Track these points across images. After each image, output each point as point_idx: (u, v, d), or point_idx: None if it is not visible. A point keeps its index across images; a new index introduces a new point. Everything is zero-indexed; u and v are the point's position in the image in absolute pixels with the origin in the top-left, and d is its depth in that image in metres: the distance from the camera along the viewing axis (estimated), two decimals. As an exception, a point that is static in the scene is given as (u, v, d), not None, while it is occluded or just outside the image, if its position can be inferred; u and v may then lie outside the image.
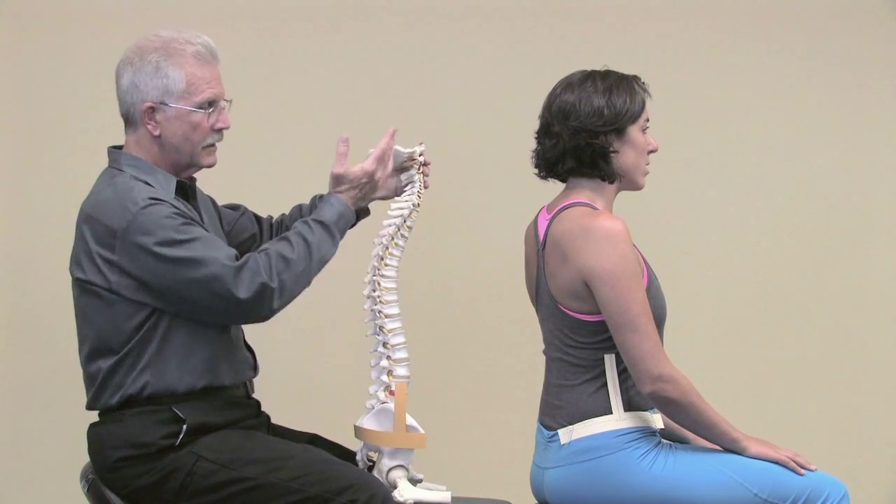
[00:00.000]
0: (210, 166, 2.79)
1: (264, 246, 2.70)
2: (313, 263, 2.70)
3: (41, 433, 3.90)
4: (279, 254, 2.66)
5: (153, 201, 2.63)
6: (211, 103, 2.73)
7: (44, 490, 3.89)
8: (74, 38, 3.92)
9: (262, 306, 2.63)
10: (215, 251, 2.61)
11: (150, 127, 2.71)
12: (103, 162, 2.91)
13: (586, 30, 4.01)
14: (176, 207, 2.65)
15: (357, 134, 3.91)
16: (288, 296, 2.67)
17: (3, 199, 3.93)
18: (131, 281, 2.63)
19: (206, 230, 2.71)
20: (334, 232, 2.75)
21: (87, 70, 3.90)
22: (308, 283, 2.71)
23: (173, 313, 2.65)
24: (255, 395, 2.88)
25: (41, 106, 3.92)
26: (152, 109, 2.70)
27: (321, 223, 2.74)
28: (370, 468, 2.83)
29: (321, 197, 2.86)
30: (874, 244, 4.09)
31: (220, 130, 2.76)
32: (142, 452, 2.65)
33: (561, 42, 3.99)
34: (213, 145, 2.76)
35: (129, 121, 2.74)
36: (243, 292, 2.60)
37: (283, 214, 3.05)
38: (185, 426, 2.65)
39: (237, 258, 2.64)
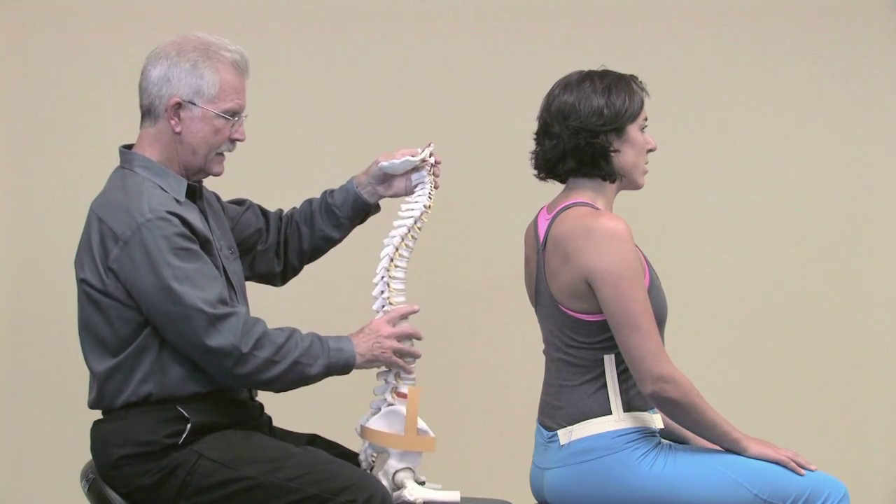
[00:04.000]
0: (218, 174, 2.80)
1: (266, 325, 2.68)
2: (289, 365, 2.65)
3: (42, 433, 3.90)
4: (268, 334, 2.65)
5: (161, 216, 2.63)
6: (234, 113, 2.74)
7: (44, 490, 3.89)
8: (74, 38, 3.92)
9: (222, 365, 2.62)
10: (200, 290, 2.60)
11: (172, 122, 2.72)
12: (104, 161, 2.91)
13: (585, 30, 4.01)
14: (183, 224, 2.64)
15: (359, 133, 3.95)
16: (250, 371, 2.63)
17: (4, 199, 3.92)
18: (124, 288, 2.64)
19: (210, 253, 2.70)
20: (324, 363, 2.69)
21: (87, 69, 3.91)
22: (275, 382, 2.66)
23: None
24: (258, 398, 2.88)
25: (41, 105, 3.92)
26: (179, 106, 2.71)
27: (323, 347, 2.70)
28: (371, 468, 2.83)
29: (337, 339, 2.75)
30: (874, 244, 4.09)
31: (234, 141, 2.77)
32: (145, 451, 2.66)
33: (559, 43, 3.99)
34: (223, 154, 2.78)
35: (151, 113, 2.74)
36: (213, 340, 2.60)
37: (294, 208, 3.06)
38: (189, 425, 2.66)
39: (224, 303, 2.63)
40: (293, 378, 2.68)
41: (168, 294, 2.59)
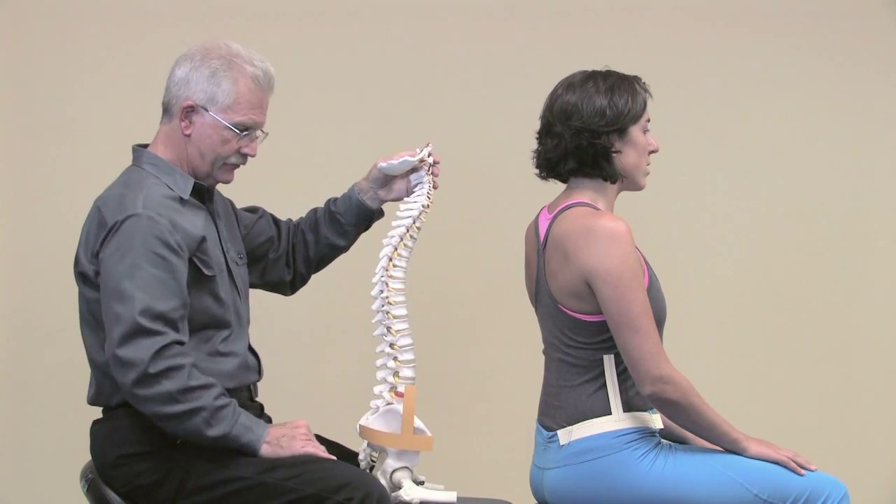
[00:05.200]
0: (226, 182, 2.80)
1: (194, 369, 2.59)
2: (189, 410, 2.55)
3: (42, 433, 3.90)
4: (185, 371, 2.56)
5: (150, 214, 2.62)
6: (247, 127, 2.74)
7: (44, 490, 3.89)
8: (74, 38, 3.91)
9: (125, 376, 2.55)
10: (149, 297, 2.56)
11: (183, 124, 2.73)
12: (104, 161, 2.92)
13: (586, 30, 4.01)
14: (172, 227, 2.63)
15: (362, 133, 3.95)
16: (148, 397, 2.54)
17: (6, 198, 3.92)
18: None
19: (206, 253, 2.70)
20: (225, 431, 2.59)
21: (87, 70, 3.91)
22: (169, 420, 2.56)
23: None
24: (258, 398, 2.88)
25: (40, 106, 3.92)
26: (192, 109, 2.71)
27: (233, 416, 2.61)
28: (371, 468, 2.83)
29: (253, 421, 2.66)
30: (874, 244, 4.09)
31: (244, 155, 2.77)
32: (143, 450, 2.66)
33: (561, 42, 3.99)
34: (234, 165, 2.78)
35: (168, 111, 2.76)
36: (124, 351, 2.55)
37: (301, 217, 3.06)
38: (187, 425, 2.66)
39: (166, 321, 2.57)
40: (188, 427, 2.57)
41: (116, 289, 2.58)
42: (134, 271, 2.58)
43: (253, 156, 2.78)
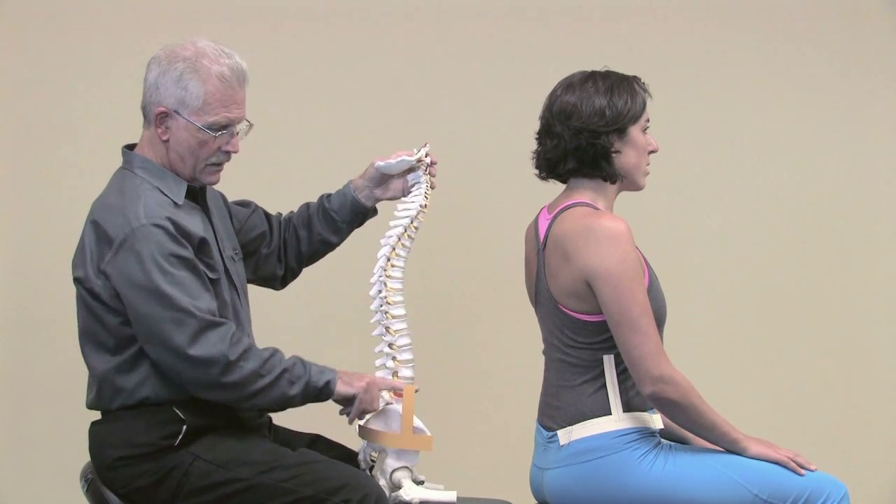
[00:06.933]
0: (212, 184, 2.79)
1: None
2: (274, 378, 2.62)
3: (42, 433, 3.90)
4: (254, 347, 2.63)
5: (155, 222, 2.61)
6: (222, 126, 2.71)
7: (44, 490, 3.89)
8: (74, 39, 3.91)
9: (207, 374, 2.59)
10: (192, 297, 2.59)
11: (159, 131, 2.71)
12: (103, 161, 2.91)
13: (586, 30, 4.01)
14: (177, 229, 2.63)
15: (360, 133, 3.95)
16: (236, 381, 2.59)
17: (4, 199, 3.92)
18: (115, 291, 2.63)
19: (208, 255, 2.69)
20: (305, 381, 2.66)
21: (86, 70, 3.90)
22: (258, 395, 2.61)
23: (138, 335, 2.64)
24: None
25: (40, 106, 3.92)
26: (165, 115, 2.69)
27: (305, 367, 2.67)
28: (371, 467, 2.83)
29: (321, 367, 2.73)
30: (874, 244, 4.09)
31: (227, 153, 2.76)
32: (141, 452, 2.66)
33: (561, 42, 3.99)
34: (217, 164, 2.76)
35: (145, 116, 2.74)
36: (197, 349, 2.57)
37: (292, 212, 3.05)
38: (185, 427, 2.66)
39: (213, 314, 2.61)
40: (275, 395, 2.63)
41: (158, 297, 2.58)
42: (165, 277, 2.59)
43: (235, 152, 2.76)
